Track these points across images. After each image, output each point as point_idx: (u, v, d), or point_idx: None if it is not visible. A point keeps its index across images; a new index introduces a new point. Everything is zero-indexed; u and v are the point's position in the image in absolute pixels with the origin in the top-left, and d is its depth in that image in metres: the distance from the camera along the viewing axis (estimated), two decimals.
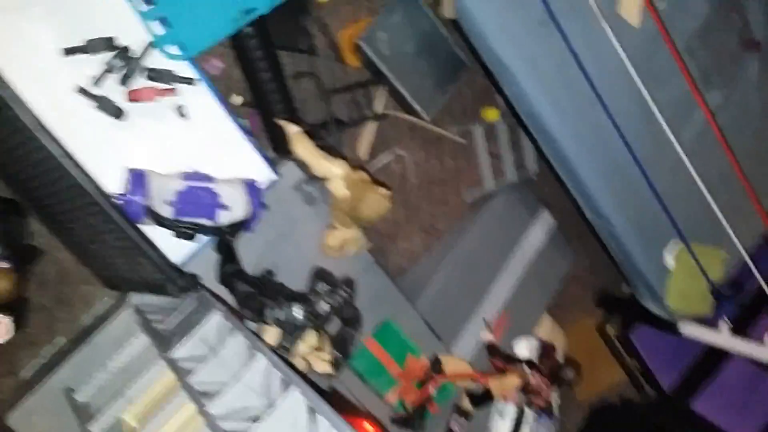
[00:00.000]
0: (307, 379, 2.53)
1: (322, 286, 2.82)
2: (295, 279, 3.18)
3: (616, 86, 3.88)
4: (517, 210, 4.97)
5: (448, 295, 4.36)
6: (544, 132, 4.05)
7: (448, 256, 4.53)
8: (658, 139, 4.02)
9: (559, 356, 5.04)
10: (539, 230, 5.00)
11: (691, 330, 4.56)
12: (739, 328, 4.50)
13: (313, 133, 3.72)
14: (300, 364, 2.77)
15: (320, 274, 2.98)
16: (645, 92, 3.86)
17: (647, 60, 3.94)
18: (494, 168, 4.95)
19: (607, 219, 4.33)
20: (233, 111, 3.05)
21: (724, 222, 4.17)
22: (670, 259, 4.43)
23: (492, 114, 4.83)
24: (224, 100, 3.00)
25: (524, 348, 4.45)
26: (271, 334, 2.71)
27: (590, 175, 4.17)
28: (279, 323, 2.69)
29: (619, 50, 3.78)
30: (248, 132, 3.15)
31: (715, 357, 5.45)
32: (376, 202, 3.13)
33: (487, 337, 4.17)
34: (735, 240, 4.24)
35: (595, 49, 3.80)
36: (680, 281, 4.47)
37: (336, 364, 2.92)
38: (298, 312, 2.68)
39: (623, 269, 4.68)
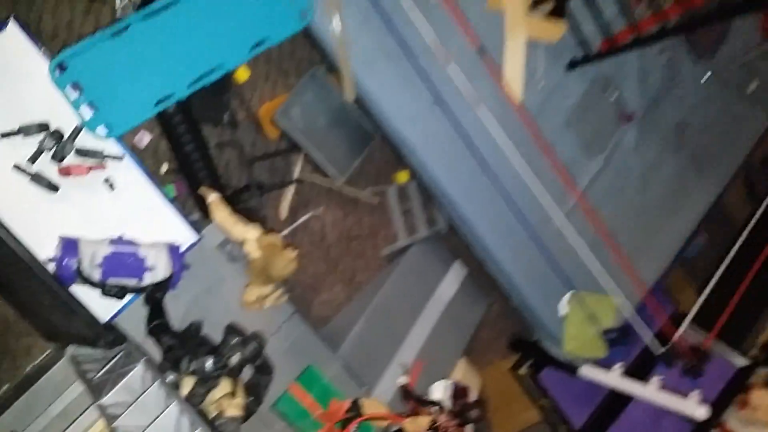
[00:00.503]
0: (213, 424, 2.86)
1: (233, 339, 3.09)
2: (220, 331, 3.39)
3: (502, 158, 4.26)
4: (431, 261, 5.29)
5: (369, 342, 4.61)
6: (443, 195, 4.45)
7: (368, 306, 4.77)
8: (543, 204, 4.41)
9: (473, 397, 5.27)
10: (452, 279, 5.31)
11: (588, 372, 4.81)
12: (641, 371, 4.78)
13: (236, 197, 4.04)
14: (213, 410, 3.03)
15: (232, 329, 3.23)
16: (525, 165, 4.26)
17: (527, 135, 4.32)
18: (407, 224, 5.26)
19: (505, 272, 4.72)
20: (158, 180, 3.34)
21: (603, 282, 4.53)
22: (563, 307, 4.83)
23: (403, 176, 5.15)
24: (149, 171, 3.31)
25: (439, 390, 4.68)
26: (187, 383, 2.98)
27: (487, 234, 4.57)
28: (194, 373, 2.97)
29: (499, 128, 4.17)
30: (172, 199, 3.45)
31: (620, 398, 5.58)
32: (285, 262, 3.43)
33: (402, 381, 4.37)
34: (619, 294, 4.61)
35: (480, 127, 4.19)
36: (574, 327, 4.85)
37: (248, 409, 3.19)
38: (209, 364, 2.96)
39: (525, 316, 5.05)
